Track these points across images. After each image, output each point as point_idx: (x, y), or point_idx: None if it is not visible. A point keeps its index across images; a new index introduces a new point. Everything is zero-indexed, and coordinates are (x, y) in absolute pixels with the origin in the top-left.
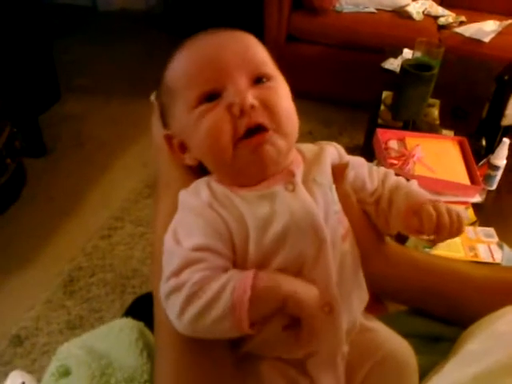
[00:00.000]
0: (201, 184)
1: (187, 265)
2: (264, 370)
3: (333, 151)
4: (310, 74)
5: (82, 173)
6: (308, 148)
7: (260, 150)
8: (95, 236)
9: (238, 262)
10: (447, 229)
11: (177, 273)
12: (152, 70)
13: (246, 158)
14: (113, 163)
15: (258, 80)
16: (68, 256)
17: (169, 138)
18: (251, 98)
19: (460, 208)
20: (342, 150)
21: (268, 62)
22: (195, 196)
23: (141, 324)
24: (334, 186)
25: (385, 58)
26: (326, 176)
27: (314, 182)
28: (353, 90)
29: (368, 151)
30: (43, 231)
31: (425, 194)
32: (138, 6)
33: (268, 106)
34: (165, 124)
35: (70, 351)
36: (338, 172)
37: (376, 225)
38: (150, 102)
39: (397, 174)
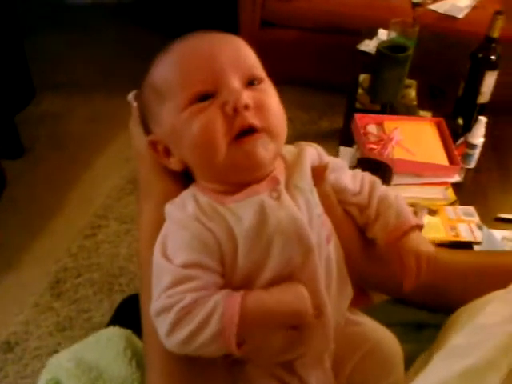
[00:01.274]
0: (186, 197)
1: (177, 282)
2: (252, 371)
3: (312, 152)
4: (286, 59)
5: (63, 172)
6: (288, 150)
7: (253, 151)
8: (79, 236)
9: (226, 275)
10: (422, 279)
11: (167, 291)
12: (127, 63)
13: (238, 158)
14: (93, 160)
15: (250, 82)
16: (53, 257)
17: (153, 144)
18: (246, 97)
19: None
20: (322, 151)
21: (258, 65)
22: (181, 210)
23: (128, 332)
24: (314, 189)
25: (360, 40)
26: (306, 180)
27: (296, 187)
28: (331, 74)
29: (347, 136)
30: (26, 234)
31: (412, 217)
32: None
33: (261, 108)
34: (147, 128)
35: (61, 364)
36: (318, 174)
37: (358, 223)
38: (128, 102)
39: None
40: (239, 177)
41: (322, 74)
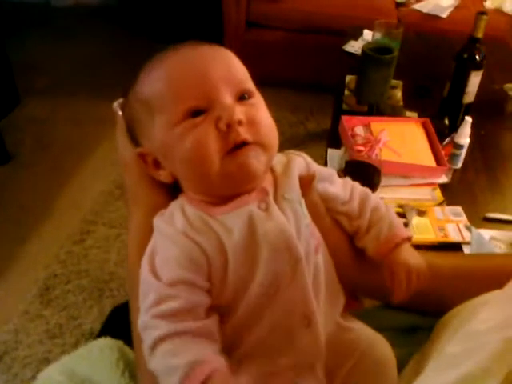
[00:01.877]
0: (175, 210)
1: (161, 301)
2: (244, 380)
3: (300, 162)
4: (272, 60)
5: (50, 177)
6: (277, 160)
7: (246, 163)
8: (68, 241)
9: (216, 289)
10: (411, 292)
11: (150, 309)
12: (112, 65)
13: (231, 170)
14: (80, 165)
15: (242, 97)
16: (42, 264)
17: (142, 156)
18: (239, 113)
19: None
20: (310, 160)
21: (249, 79)
22: (170, 224)
23: (120, 343)
24: (303, 200)
25: (346, 41)
26: (294, 190)
27: (284, 199)
28: (317, 74)
29: (335, 138)
30: (14, 241)
31: (403, 229)
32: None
33: (253, 123)
34: (134, 139)
35: (52, 377)
36: (306, 183)
37: (347, 231)
38: (113, 111)
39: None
40: (232, 189)
41: (308, 74)
